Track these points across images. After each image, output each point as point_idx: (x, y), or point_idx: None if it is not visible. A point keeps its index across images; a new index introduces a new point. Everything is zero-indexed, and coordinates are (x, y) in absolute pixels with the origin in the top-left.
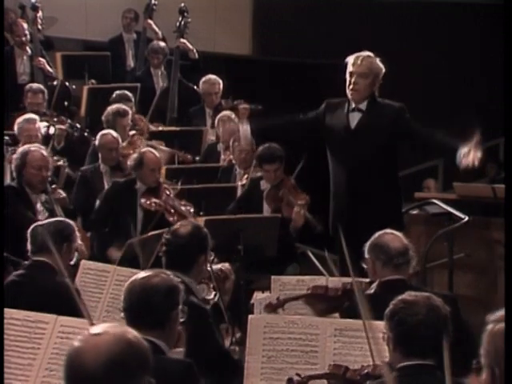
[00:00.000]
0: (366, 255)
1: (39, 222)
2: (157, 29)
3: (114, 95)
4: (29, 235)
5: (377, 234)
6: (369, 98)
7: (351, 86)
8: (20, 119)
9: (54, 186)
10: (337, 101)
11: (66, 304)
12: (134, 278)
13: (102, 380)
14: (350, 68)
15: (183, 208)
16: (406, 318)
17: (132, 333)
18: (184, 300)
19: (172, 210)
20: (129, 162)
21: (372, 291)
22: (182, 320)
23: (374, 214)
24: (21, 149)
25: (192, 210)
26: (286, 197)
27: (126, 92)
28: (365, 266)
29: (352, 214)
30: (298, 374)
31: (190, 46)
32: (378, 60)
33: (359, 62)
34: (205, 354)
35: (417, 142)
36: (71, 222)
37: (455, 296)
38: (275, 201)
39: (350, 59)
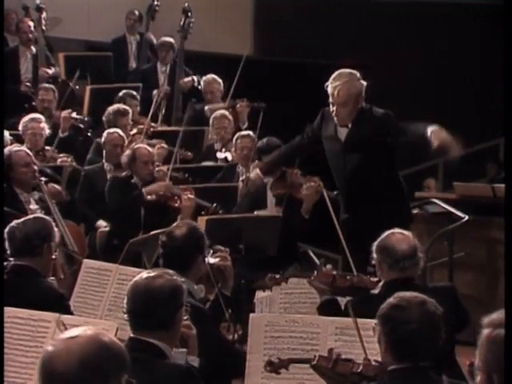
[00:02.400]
0: (374, 255)
1: (16, 222)
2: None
3: (120, 94)
4: (6, 236)
5: (385, 234)
6: (355, 114)
7: (334, 113)
8: (26, 118)
9: (45, 180)
10: (330, 110)
11: (56, 309)
12: (136, 278)
13: (73, 381)
14: (330, 97)
15: (183, 191)
16: (399, 326)
17: (105, 334)
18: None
19: (174, 196)
20: (122, 160)
21: (377, 291)
22: (185, 318)
23: (378, 215)
24: (4, 152)
25: (189, 192)
26: (297, 180)
27: (131, 91)
28: (373, 262)
29: (356, 218)
30: (278, 358)
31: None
32: (356, 78)
33: (336, 93)
34: (208, 353)
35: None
36: (47, 217)
37: (453, 285)
38: (283, 188)
39: (329, 87)
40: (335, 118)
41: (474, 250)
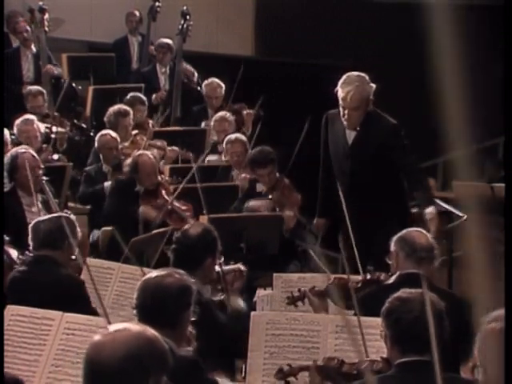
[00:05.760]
0: (392, 248)
1: (41, 218)
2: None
3: (127, 97)
4: (30, 231)
5: (405, 230)
6: (363, 117)
7: (345, 117)
8: (18, 121)
9: (46, 179)
10: (335, 112)
11: (72, 296)
12: (147, 276)
13: (117, 374)
14: (341, 101)
15: (183, 211)
16: (402, 315)
17: (152, 331)
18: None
19: (172, 214)
20: (124, 168)
21: (390, 281)
22: (192, 319)
23: (378, 217)
24: (9, 153)
25: (189, 212)
26: (280, 199)
27: (140, 95)
28: (389, 262)
29: (356, 220)
30: (288, 364)
31: (192, 70)
32: (366, 81)
33: (349, 98)
34: (215, 342)
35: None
36: (72, 217)
37: (463, 298)
38: (271, 203)
39: (340, 92)
40: (345, 122)
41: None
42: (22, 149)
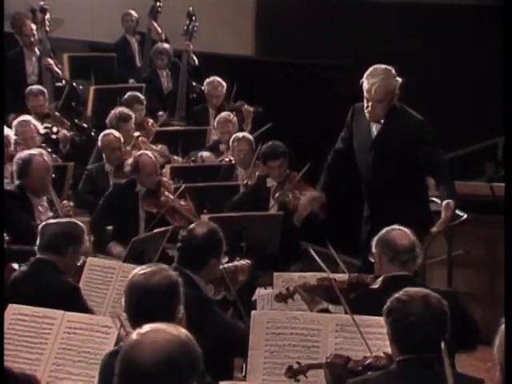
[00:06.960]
0: (373, 249)
1: (50, 221)
2: (159, 29)
3: (126, 96)
4: (39, 231)
5: (384, 230)
6: (388, 110)
7: (369, 109)
8: (15, 122)
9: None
10: (361, 105)
11: (67, 303)
12: (131, 276)
13: (155, 378)
14: (365, 93)
15: (183, 208)
16: (400, 318)
17: (186, 333)
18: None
19: (173, 212)
20: (125, 168)
21: (377, 286)
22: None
23: (402, 214)
24: (23, 155)
25: (189, 211)
26: (292, 190)
27: (139, 94)
28: (372, 260)
29: (380, 215)
30: (298, 362)
31: (191, 53)
32: (392, 75)
33: (373, 91)
34: (211, 333)
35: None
36: (80, 223)
37: (454, 291)
38: (280, 196)
39: (365, 84)
40: (367, 114)
41: (473, 247)
42: (34, 151)
